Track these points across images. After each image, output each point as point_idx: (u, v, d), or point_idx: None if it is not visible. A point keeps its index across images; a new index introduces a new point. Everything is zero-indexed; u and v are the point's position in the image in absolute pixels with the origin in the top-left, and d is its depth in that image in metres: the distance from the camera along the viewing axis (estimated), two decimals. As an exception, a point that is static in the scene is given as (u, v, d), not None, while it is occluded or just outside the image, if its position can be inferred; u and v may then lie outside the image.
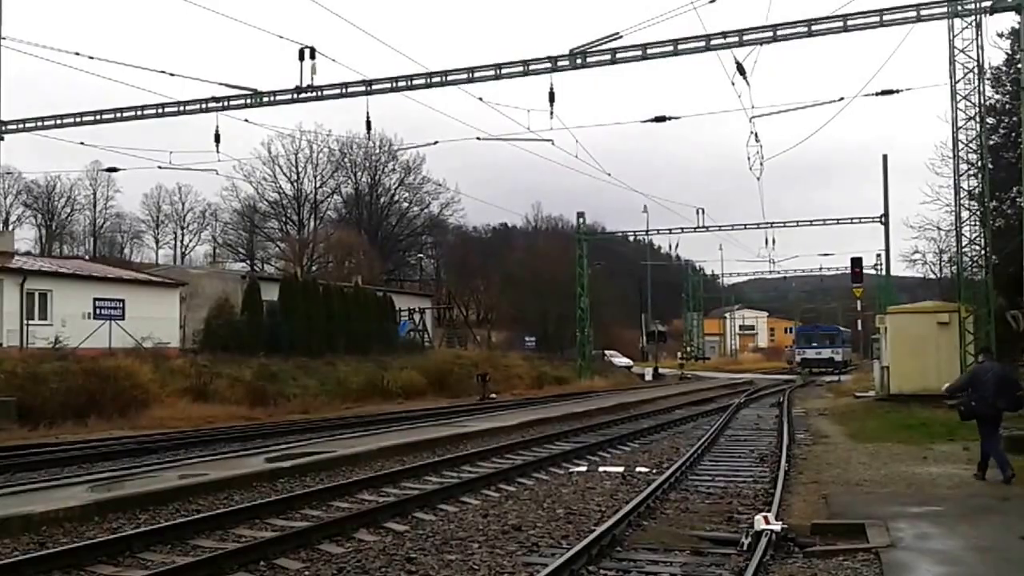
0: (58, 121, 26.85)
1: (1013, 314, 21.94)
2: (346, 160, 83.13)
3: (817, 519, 10.80)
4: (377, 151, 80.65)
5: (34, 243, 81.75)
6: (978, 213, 27.09)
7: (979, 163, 26.47)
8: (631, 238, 68.28)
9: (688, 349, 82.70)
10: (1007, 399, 13.50)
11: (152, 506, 12.36)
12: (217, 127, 25.41)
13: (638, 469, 16.43)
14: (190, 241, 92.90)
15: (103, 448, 20.06)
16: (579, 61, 23.24)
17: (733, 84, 22.87)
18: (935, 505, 11.63)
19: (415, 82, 24.50)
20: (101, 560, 9.35)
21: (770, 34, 21.88)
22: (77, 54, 23.56)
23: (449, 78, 24.26)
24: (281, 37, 23.82)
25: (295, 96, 24.73)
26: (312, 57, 23.58)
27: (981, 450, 13.95)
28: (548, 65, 23.38)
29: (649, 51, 22.74)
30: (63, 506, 11.48)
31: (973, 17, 24.91)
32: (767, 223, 52.91)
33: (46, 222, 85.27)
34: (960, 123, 26.48)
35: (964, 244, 27.68)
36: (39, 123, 27.04)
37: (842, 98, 26.19)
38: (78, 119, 26.71)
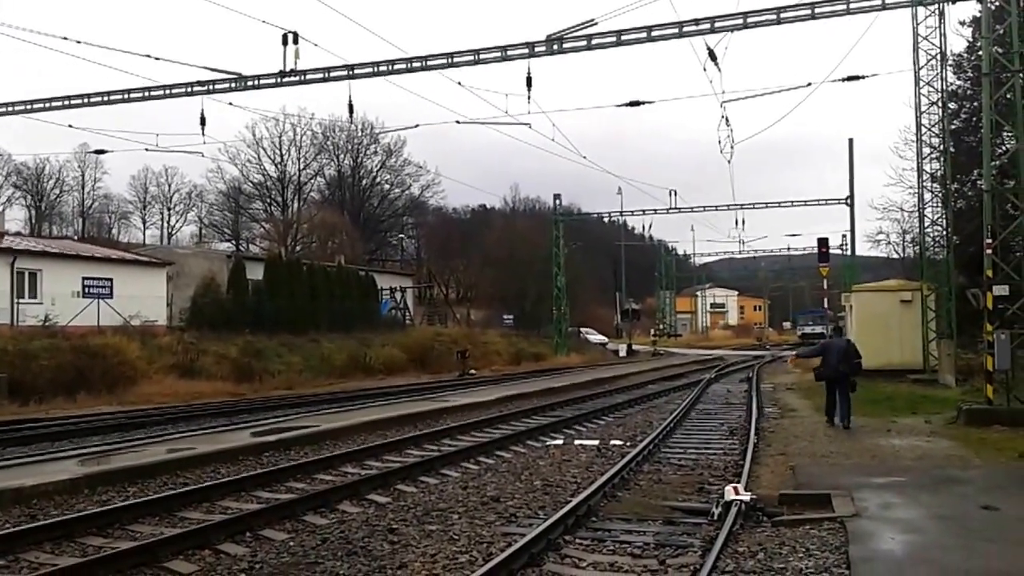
0: (47, 104, 26.77)
1: (973, 292, 22.61)
2: (329, 143, 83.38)
3: (785, 490, 10.99)
4: (359, 134, 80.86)
5: (24, 223, 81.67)
6: (940, 195, 27.79)
7: (941, 147, 27.14)
8: (606, 219, 68.63)
9: (661, 326, 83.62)
10: (848, 364, 17.67)
11: (141, 479, 12.49)
12: (202, 110, 25.48)
13: (612, 442, 16.68)
14: (176, 222, 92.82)
15: (92, 423, 20.24)
16: (556, 47, 23.24)
17: (705, 70, 22.98)
18: (899, 476, 11.80)
19: (396, 67, 24.52)
20: (91, 532, 9.47)
21: (740, 21, 21.93)
22: (65, 38, 23.81)
23: (429, 63, 24.26)
24: (264, 22, 24.04)
25: (279, 80, 24.72)
26: (295, 42, 23.59)
27: (830, 405, 18.15)
28: (526, 51, 23.40)
29: (624, 37, 22.78)
30: (54, 479, 11.64)
31: (936, 5, 25.48)
32: (737, 205, 53.91)
33: (35, 203, 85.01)
34: (923, 108, 27.18)
35: (926, 225, 28.45)
36: (28, 106, 26.98)
37: (810, 84, 26.65)
38: (66, 102, 26.65)
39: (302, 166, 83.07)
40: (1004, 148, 24.26)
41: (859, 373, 18.09)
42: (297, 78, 24.67)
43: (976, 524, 9.14)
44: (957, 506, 10.05)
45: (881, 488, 10.97)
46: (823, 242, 45.02)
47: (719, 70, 23.10)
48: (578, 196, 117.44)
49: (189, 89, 25.57)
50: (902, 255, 51.49)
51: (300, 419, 19.94)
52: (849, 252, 54.56)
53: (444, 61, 24.23)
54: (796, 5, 21.94)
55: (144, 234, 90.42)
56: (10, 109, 27.41)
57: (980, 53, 21.45)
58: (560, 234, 58.25)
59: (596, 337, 73.70)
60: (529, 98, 23.48)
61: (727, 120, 30.41)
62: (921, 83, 27.07)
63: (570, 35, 23.18)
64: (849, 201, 47.44)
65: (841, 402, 17.91)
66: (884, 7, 21.90)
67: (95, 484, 11.95)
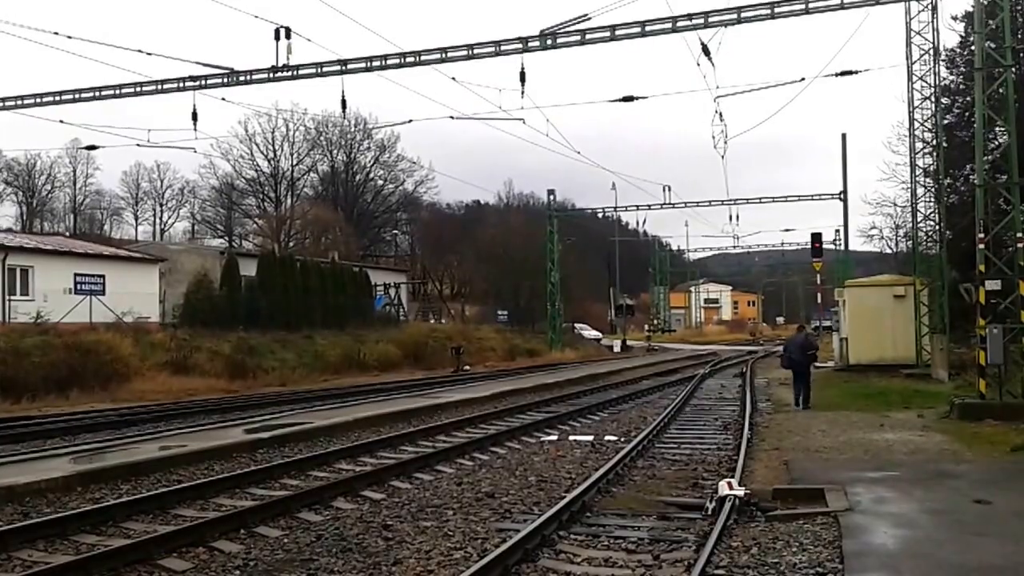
0: (37, 100, 26.63)
1: (966, 287, 22.74)
2: (322, 138, 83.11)
3: (778, 484, 11.04)
4: (352, 130, 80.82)
5: (15, 220, 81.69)
6: (933, 190, 27.85)
7: (934, 142, 27.18)
8: (600, 215, 68.95)
9: (655, 322, 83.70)
10: (806, 356, 21.40)
11: (134, 477, 12.47)
12: (194, 105, 25.24)
13: (607, 438, 16.76)
14: (169, 218, 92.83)
15: (85, 420, 20.20)
16: (549, 42, 23.20)
17: (699, 65, 22.95)
18: (892, 470, 11.88)
19: (389, 62, 24.44)
20: (84, 530, 9.42)
21: (734, 16, 21.92)
22: (56, 33, 23.76)
23: (422, 58, 24.20)
24: (257, 17, 23.82)
25: (271, 75, 24.59)
26: (288, 37, 23.48)
27: (794, 390, 21.43)
28: (519, 46, 23.36)
29: (617, 32, 22.76)
30: (46, 477, 11.60)
31: (929, 0, 25.69)
32: (731, 200, 53.80)
33: (27, 199, 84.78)
34: (916, 103, 27.23)
35: (919, 220, 28.49)
36: (19, 101, 26.84)
37: (803, 79, 26.59)
38: (57, 98, 26.50)
39: (295, 162, 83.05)
40: (997, 143, 24.36)
41: (813, 362, 22.66)
42: (290, 73, 24.58)
43: (969, 518, 9.18)
44: (950, 500, 10.09)
45: (874, 482, 11.03)
46: (816, 237, 45.13)
47: (713, 65, 23.16)
48: (572, 192, 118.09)
49: (181, 84, 25.43)
50: (895, 250, 51.80)
51: (294, 416, 19.96)
52: (842, 247, 54.76)
53: (437, 56, 24.16)
54: (789, -1, 21.96)
55: (136, 230, 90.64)
56: (1, 104, 27.27)
57: (973, 48, 21.52)
58: (554, 230, 58.31)
59: (590, 333, 73.81)
60: (523, 93, 23.41)
61: (721, 115, 30.65)
62: (914, 78, 27.13)
63: (563, 30, 23.16)
64: (842, 196, 47.60)
65: (802, 387, 21.26)
66: (877, 2, 21.90)
67: (88, 482, 11.91)
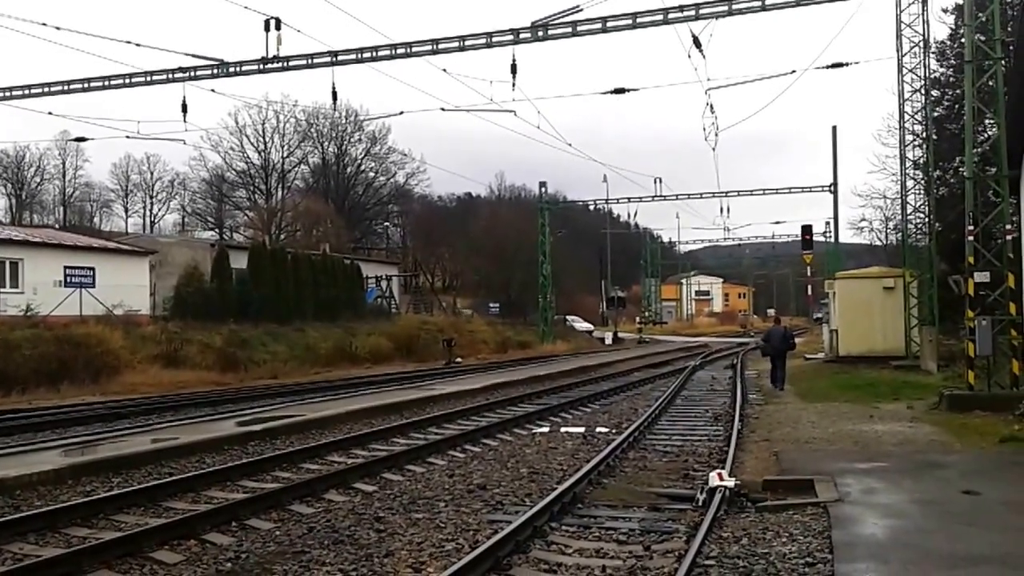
0: (26, 91, 26.53)
1: (955, 279, 22.86)
2: (313, 130, 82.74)
3: (768, 475, 11.11)
4: (343, 121, 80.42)
5: (4, 212, 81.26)
6: (922, 182, 27.96)
7: (924, 134, 27.31)
8: (591, 207, 68.66)
9: (646, 314, 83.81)
10: (786, 344, 24.19)
11: (125, 470, 12.46)
12: (184, 97, 25.22)
13: (598, 429, 16.77)
14: (159, 210, 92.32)
15: (76, 413, 20.15)
16: (541, 33, 23.25)
17: (690, 57, 22.99)
18: (881, 461, 11.94)
19: (380, 53, 24.42)
20: (75, 523, 9.45)
21: (725, 8, 21.96)
22: (44, 24, 23.61)
23: (413, 50, 24.19)
24: (246, 8, 23.71)
25: (261, 67, 24.56)
26: (278, 28, 23.42)
27: (774, 374, 23.90)
28: (511, 37, 23.38)
29: (609, 24, 22.80)
30: (37, 470, 11.59)
31: (919, -8, 25.74)
32: (721, 192, 53.81)
33: (16, 191, 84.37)
34: (906, 96, 27.32)
35: (909, 212, 28.63)
36: (6, 93, 26.74)
37: (794, 71, 26.76)
38: (46, 89, 26.38)
39: (286, 154, 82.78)
40: (986, 135, 24.43)
41: (794, 349, 26.74)
42: (280, 64, 24.53)
43: (957, 508, 9.24)
44: (939, 491, 10.14)
45: (864, 473, 11.08)
46: (807, 229, 45.26)
47: (704, 57, 23.19)
48: (563, 184, 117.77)
49: (170, 76, 25.35)
50: (885, 242, 52.01)
51: (286, 408, 19.94)
52: (832, 239, 54.94)
53: (428, 48, 24.18)
54: (781, -9, 21.96)
55: (126, 223, 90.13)
56: (-11, 96, 27.10)
57: (963, 40, 21.54)
58: (546, 222, 58.30)
59: (582, 325, 73.86)
60: (514, 85, 23.45)
61: (712, 107, 30.69)
62: (904, 70, 27.22)
63: (555, 22, 23.17)
64: (832, 188, 47.74)
65: (780, 371, 23.80)
66: (868, -6, 21.90)
67: (79, 474, 11.92)
